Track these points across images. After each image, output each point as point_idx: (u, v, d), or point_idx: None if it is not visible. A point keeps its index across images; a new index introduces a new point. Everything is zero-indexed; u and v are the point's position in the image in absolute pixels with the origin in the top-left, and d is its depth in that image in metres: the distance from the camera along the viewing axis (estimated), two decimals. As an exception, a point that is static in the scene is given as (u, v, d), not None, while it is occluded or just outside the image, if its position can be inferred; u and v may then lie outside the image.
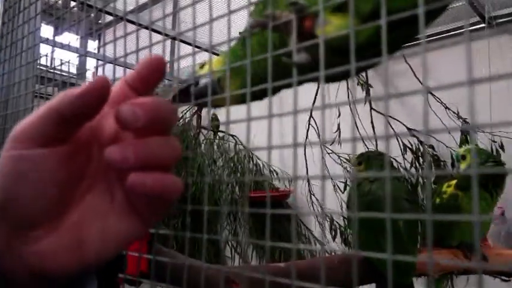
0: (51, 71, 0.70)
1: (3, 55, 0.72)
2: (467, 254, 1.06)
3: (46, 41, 0.67)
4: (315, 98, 2.24)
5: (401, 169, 2.16)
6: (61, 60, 0.59)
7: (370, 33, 0.32)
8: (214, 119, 2.74)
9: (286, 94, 0.44)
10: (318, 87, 1.97)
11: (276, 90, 0.42)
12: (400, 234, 0.93)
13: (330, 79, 0.45)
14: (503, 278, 1.13)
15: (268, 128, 0.35)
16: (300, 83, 0.46)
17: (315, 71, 0.30)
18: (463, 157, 1.17)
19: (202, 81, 0.47)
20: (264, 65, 0.34)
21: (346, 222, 2.26)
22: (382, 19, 0.26)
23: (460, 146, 1.89)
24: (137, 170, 0.27)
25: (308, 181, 2.51)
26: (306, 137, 2.43)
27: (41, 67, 0.84)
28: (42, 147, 0.27)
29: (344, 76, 0.45)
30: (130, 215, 0.29)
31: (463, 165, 1.16)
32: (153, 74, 0.31)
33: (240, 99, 0.44)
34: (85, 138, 0.29)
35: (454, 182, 1.09)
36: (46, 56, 0.63)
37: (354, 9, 0.32)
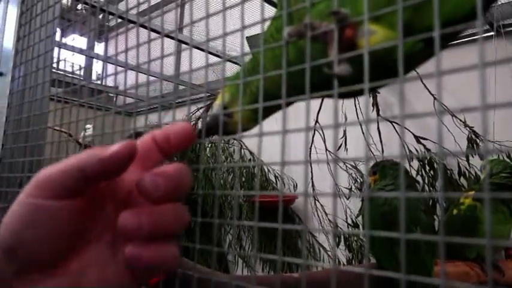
0: (57, 71, 0.69)
1: (20, 58, 0.71)
2: (484, 267, 1.04)
3: (64, 46, 0.66)
4: (321, 102, 2.23)
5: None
6: (79, 65, 0.59)
7: (410, 45, 0.31)
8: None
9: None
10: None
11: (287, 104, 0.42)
12: (417, 245, 0.91)
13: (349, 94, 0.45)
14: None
15: (282, 145, 0.35)
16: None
17: (356, 82, 0.29)
18: (484, 167, 1.15)
19: (211, 113, 0.46)
20: (276, 80, 0.34)
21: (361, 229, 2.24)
22: (436, 31, 0.25)
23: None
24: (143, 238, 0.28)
25: (313, 186, 2.49)
26: (312, 142, 2.43)
27: (55, 71, 0.83)
28: (61, 199, 0.28)
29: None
30: (126, 270, 0.31)
31: (482, 175, 1.15)
32: (181, 142, 0.32)
33: (252, 120, 0.42)
34: (101, 191, 0.30)
35: (472, 192, 1.08)
36: (64, 60, 0.62)
37: (393, 23, 0.32)
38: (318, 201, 2.54)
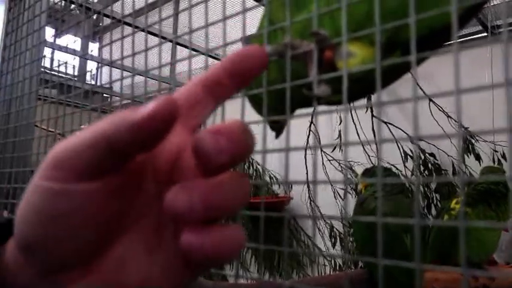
0: (52, 72, 0.68)
1: (8, 53, 0.70)
2: (474, 272, 1.03)
3: (51, 44, 0.65)
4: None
5: (402, 176, 2.15)
6: (59, 61, 0.59)
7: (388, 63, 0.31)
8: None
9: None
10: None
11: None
12: (407, 252, 0.91)
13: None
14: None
15: (262, 159, 0.35)
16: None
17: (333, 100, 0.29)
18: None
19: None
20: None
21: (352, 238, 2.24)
22: (412, 56, 0.24)
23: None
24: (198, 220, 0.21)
25: (308, 187, 2.50)
26: (307, 143, 2.43)
27: (43, 69, 0.81)
28: (85, 181, 0.21)
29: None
30: (174, 262, 0.23)
31: (479, 179, 1.16)
32: (246, 73, 0.24)
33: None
34: (136, 165, 0.23)
35: (460, 198, 1.08)
36: (51, 58, 0.62)
37: (373, 39, 0.31)
38: (313, 201, 2.55)
